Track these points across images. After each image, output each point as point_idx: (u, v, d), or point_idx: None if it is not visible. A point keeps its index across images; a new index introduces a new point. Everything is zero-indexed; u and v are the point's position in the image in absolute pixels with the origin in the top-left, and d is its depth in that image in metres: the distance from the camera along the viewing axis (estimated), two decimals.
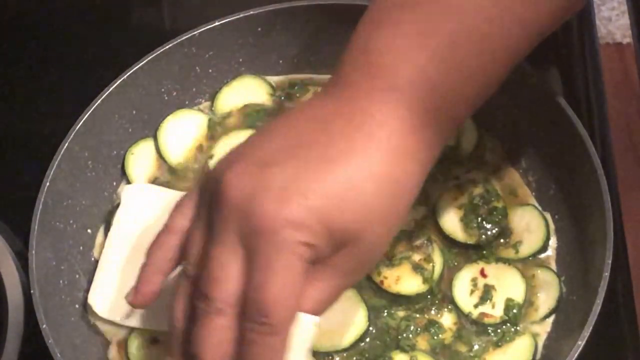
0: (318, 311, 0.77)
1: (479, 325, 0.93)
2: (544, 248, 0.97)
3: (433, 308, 0.94)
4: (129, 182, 1.03)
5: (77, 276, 0.97)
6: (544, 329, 0.93)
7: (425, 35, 0.77)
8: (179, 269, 0.83)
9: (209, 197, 0.78)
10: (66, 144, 0.98)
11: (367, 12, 0.81)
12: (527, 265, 0.96)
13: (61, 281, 0.95)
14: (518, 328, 0.93)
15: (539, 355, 0.92)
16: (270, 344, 0.74)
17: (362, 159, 0.76)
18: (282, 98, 1.07)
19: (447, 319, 0.93)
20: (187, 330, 0.78)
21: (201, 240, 0.78)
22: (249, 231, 0.74)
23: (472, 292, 0.94)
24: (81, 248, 0.99)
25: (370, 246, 0.77)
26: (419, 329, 0.92)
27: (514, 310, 0.93)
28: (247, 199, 0.75)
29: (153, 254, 0.84)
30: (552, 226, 0.98)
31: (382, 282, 0.94)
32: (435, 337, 0.92)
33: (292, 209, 0.74)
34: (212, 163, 1.02)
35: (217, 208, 0.76)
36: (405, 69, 0.77)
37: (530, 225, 0.97)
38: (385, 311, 0.93)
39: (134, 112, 1.04)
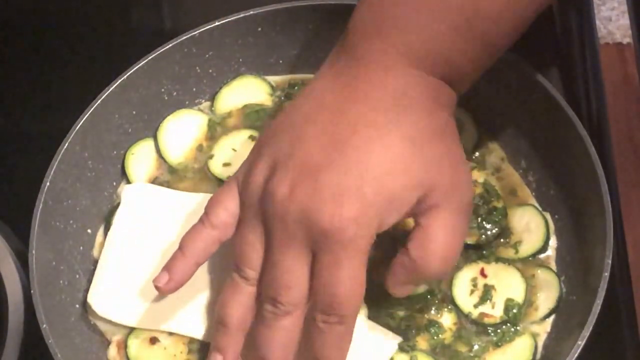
0: (450, 252, 0.84)
1: (479, 325, 0.93)
2: (543, 248, 0.97)
3: (433, 308, 0.94)
4: (129, 182, 1.03)
5: (77, 276, 0.97)
6: (543, 329, 0.93)
7: (436, 7, 0.81)
8: None
9: (260, 207, 0.82)
10: (66, 144, 0.98)
11: None
12: (527, 265, 0.96)
13: (61, 281, 0.95)
14: (518, 328, 0.93)
15: (538, 355, 0.92)
16: (339, 332, 0.81)
17: (394, 130, 0.81)
18: (282, 98, 1.07)
19: (447, 319, 0.93)
20: (250, 331, 0.84)
21: (259, 249, 0.83)
22: (314, 236, 0.80)
23: (472, 292, 0.94)
24: (81, 248, 0.99)
25: (447, 183, 0.83)
26: (419, 329, 0.92)
27: (514, 310, 0.93)
28: (308, 209, 0.80)
29: (193, 245, 0.87)
30: (552, 226, 0.98)
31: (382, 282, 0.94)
32: (435, 337, 0.92)
33: (351, 208, 0.79)
34: (212, 163, 1.02)
35: (278, 221, 0.81)
36: (418, 40, 0.82)
37: (530, 225, 0.97)
38: (385, 311, 0.93)
39: (134, 112, 1.04)
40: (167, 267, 0.87)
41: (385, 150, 0.81)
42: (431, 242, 0.83)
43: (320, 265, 0.80)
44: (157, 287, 0.87)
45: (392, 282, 0.85)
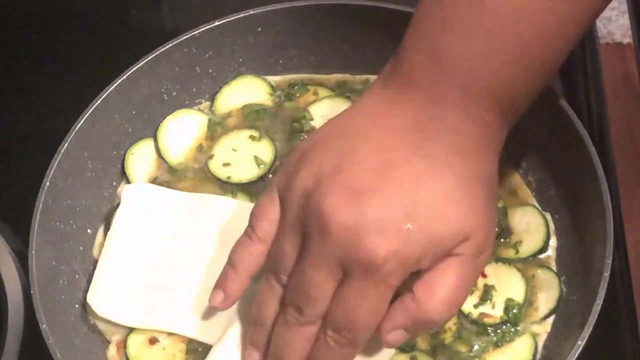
0: (455, 301, 0.81)
1: (479, 325, 0.93)
2: (544, 248, 0.97)
3: None
4: (129, 182, 1.03)
5: (77, 276, 0.97)
6: (544, 329, 0.93)
7: (496, 40, 0.78)
8: None
9: (300, 216, 0.81)
10: (66, 144, 0.98)
11: (424, 6, 0.82)
12: (527, 265, 0.96)
13: (61, 281, 0.95)
14: (518, 328, 0.93)
15: (539, 356, 0.92)
16: (344, 353, 0.82)
17: (446, 169, 0.79)
18: (282, 98, 1.07)
19: None
20: (273, 329, 0.85)
21: (295, 255, 0.82)
22: (350, 260, 0.79)
23: (472, 292, 0.94)
24: (81, 248, 0.99)
25: (483, 236, 0.81)
26: None
27: (514, 311, 0.93)
28: (350, 232, 0.78)
29: (242, 260, 0.87)
30: (552, 226, 0.98)
31: None
32: (435, 337, 0.92)
33: (393, 244, 0.78)
34: (212, 163, 1.02)
35: (317, 235, 0.80)
36: (480, 75, 0.79)
37: (530, 225, 0.97)
38: None
39: (134, 112, 1.04)
40: (221, 285, 0.88)
41: (436, 188, 0.79)
42: (440, 287, 0.80)
43: (347, 287, 0.80)
44: (213, 307, 0.88)
45: (389, 326, 0.81)
